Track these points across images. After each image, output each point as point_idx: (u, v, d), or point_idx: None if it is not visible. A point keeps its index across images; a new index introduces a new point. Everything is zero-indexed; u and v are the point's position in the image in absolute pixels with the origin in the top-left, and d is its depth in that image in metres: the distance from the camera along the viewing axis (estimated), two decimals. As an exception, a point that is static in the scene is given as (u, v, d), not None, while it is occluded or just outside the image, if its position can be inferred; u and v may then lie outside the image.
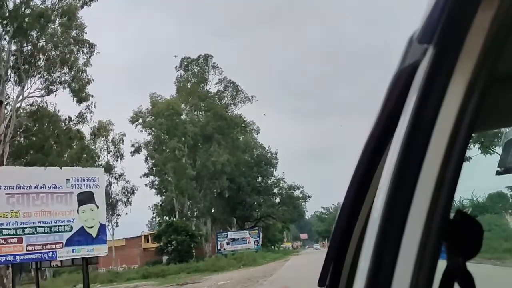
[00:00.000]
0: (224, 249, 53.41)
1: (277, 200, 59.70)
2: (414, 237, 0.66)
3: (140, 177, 52.38)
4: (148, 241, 63.15)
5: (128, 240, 58.19)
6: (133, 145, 52.09)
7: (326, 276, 1.38)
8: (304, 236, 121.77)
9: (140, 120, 50.75)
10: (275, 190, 59.07)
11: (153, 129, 50.00)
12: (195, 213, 53.51)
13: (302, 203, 59.12)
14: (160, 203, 52.97)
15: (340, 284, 1.35)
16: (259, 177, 58.24)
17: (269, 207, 56.55)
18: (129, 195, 53.21)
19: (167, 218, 50.66)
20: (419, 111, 0.71)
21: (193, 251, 48.03)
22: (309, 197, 58.69)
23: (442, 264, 0.72)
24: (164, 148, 48.90)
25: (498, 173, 2.10)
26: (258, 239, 54.35)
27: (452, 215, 0.76)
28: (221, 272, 37.63)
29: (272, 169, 58.78)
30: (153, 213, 50.86)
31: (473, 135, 0.81)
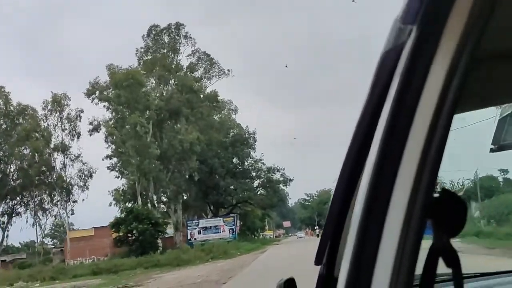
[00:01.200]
0: (195, 239, 47.45)
1: (255, 184, 53.66)
2: (398, 214, 0.67)
3: (103, 160, 45.94)
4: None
5: (97, 230, 52.04)
6: (91, 123, 45.62)
7: (323, 254, 1.35)
8: (287, 224, 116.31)
9: (98, 94, 44.14)
10: (253, 173, 52.94)
11: (111, 102, 43.48)
12: (162, 198, 47.24)
13: (283, 187, 53.11)
14: (122, 187, 46.65)
15: (337, 262, 1.34)
16: (235, 159, 52.09)
17: (246, 192, 50.36)
18: (86, 178, 46.99)
19: (129, 204, 44.28)
20: (402, 92, 0.71)
21: (158, 241, 41.85)
22: (290, 180, 52.74)
23: (427, 241, 0.75)
24: (124, 124, 42.40)
25: (492, 150, 2.23)
26: (233, 227, 48.41)
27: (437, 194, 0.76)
28: (184, 267, 31.63)
29: (249, 150, 52.63)
30: (113, 199, 44.44)
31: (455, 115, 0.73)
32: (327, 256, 1.37)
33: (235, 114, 57.71)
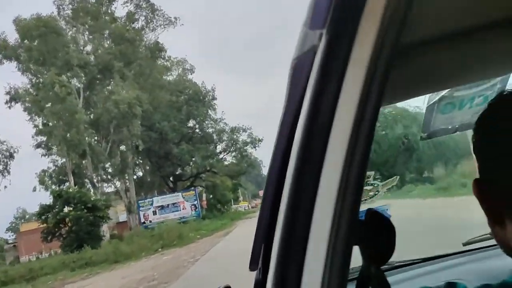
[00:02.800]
0: (151, 221, 38.95)
1: (219, 149, 45.11)
2: (322, 239, 0.62)
3: (32, 137, 36.52)
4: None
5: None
6: (8, 93, 35.95)
7: (258, 258, 1.19)
8: (262, 193, 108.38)
9: (3, 52, 34.48)
10: (214, 136, 44.24)
11: (20, 59, 33.98)
12: (104, 176, 38.35)
13: (252, 149, 44.55)
14: (53, 167, 37.47)
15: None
16: (191, 121, 43.30)
17: (207, 159, 41.60)
18: (6, 160, 37.52)
19: (61, 188, 35.23)
20: (318, 96, 0.66)
21: (103, 229, 33.13)
22: (259, 140, 44.19)
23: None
24: (41, 86, 33.04)
25: (422, 138, 2.30)
26: (195, 202, 40.00)
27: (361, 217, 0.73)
28: (122, 264, 23.28)
29: (207, 109, 43.86)
30: (38, 182, 35.20)
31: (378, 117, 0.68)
32: (262, 260, 1.19)
33: (191, 74, 48.68)
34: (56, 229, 31.89)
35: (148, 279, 13.76)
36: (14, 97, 35.66)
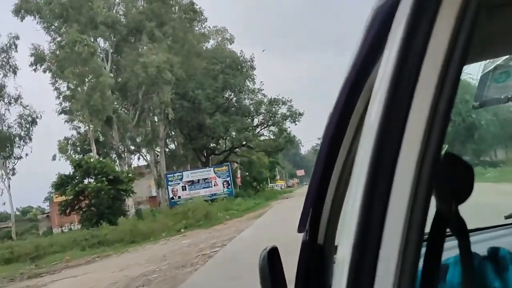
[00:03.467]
0: (179, 197, 36.05)
1: (255, 122, 41.51)
2: (405, 181, 0.63)
3: (56, 102, 33.90)
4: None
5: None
6: (32, 54, 33.25)
7: (306, 220, 1.31)
8: (300, 172, 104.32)
9: (25, 5, 31.68)
10: (251, 108, 40.61)
11: (42, 15, 31.15)
12: (129, 147, 35.47)
13: (291, 124, 40.69)
14: (76, 135, 34.91)
15: (320, 228, 1.32)
16: (227, 91, 39.77)
17: (241, 132, 37.98)
18: (28, 126, 35.11)
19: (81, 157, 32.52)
20: (407, 44, 0.67)
21: (123, 204, 30.31)
22: (300, 114, 40.30)
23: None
24: (63, 44, 30.12)
25: (474, 107, 2.26)
26: (228, 179, 36.78)
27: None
28: (138, 245, 20.30)
29: (244, 79, 40.21)
30: (58, 150, 32.59)
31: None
32: (309, 223, 1.31)
33: (230, 44, 45.06)
34: (76, 202, 29.31)
35: (142, 280, 10.43)
36: (38, 59, 32.93)
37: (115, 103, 31.81)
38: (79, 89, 29.93)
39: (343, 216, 0.80)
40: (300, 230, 1.33)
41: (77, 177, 29.06)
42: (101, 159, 31.06)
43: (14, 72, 34.13)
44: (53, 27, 30.81)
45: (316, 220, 1.30)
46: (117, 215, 29.19)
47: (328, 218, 1.29)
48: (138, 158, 38.64)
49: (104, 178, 28.69)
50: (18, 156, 34.96)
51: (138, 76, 30.94)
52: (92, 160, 29.25)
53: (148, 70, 30.21)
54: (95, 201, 28.71)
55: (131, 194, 30.54)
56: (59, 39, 31.87)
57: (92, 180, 29.16)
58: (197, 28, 40.60)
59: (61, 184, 29.53)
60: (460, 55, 0.63)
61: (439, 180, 0.67)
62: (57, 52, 30.91)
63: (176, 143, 44.15)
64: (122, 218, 27.05)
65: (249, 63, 41.38)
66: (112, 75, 33.61)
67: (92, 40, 29.52)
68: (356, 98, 0.96)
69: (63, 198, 29.78)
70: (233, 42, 44.75)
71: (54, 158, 32.18)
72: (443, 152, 0.68)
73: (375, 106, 0.69)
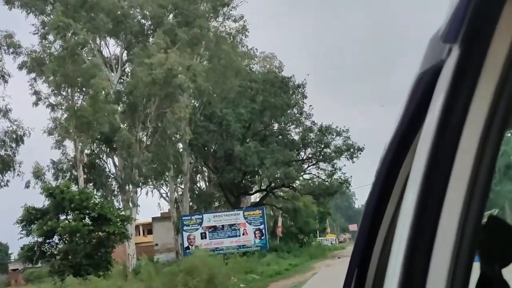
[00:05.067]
0: (196, 247, 27.15)
1: (302, 156, 32.47)
2: (447, 244, 0.64)
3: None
4: (141, 233, 42.75)
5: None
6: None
7: (351, 283, 1.29)
8: (353, 227, 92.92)
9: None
10: (296, 138, 31.76)
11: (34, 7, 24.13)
12: (135, 176, 27.13)
13: (347, 160, 31.37)
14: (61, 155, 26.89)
15: None
16: (266, 112, 31.19)
17: (281, 166, 28.77)
18: (13, 145, 27.56)
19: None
20: (446, 112, 0.68)
21: (109, 252, 21.76)
22: (360, 150, 31.21)
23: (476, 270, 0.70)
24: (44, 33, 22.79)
25: None
26: (262, 227, 27.79)
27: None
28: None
29: (289, 101, 31.68)
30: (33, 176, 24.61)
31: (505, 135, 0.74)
32: (354, 285, 1.28)
33: (279, 73, 36.85)
34: (43, 245, 21.16)
35: None
36: (37, 63, 25.74)
37: (116, 117, 23.83)
38: (63, 92, 22.27)
39: (386, 277, 0.79)
40: None
41: (46, 212, 21.03)
42: (88, 190, 23.07)
43: (3, 79, 26.97)
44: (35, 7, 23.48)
45: (362, 281, 1.22)
46: (100, 268, 20.85)
47: (373, 281, 1.21)
48: (146, 193, 30.39)
49: (82, 215, 20.53)
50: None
51: (145, 82, 23.06)
52: (70, 189, 21.13)
53: (153, 73, 22.25)
54: (68, 247, 20.48)
55: (122, 239, 22.01)
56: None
57: (70, 217, 21.12)
58: (240, 46, 32.57)
59: (30, 220, 21.51)
60: (501, 121, 0.62)
61: (483, 243, 0.69)
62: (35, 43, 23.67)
63: (204, 177, 35.92)
64: (96, 276, 18.52)
65: (299, 90, 33.02)
66: (121, 81, 26.23)
67: (81, 27, 21.83)
68: (403, 156, 0.94)
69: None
70: (282, 70, 36.64)
71: (27, 185, 24.21)
72: (488, 214, 0.70)
73: (415, 171, 0.71)
